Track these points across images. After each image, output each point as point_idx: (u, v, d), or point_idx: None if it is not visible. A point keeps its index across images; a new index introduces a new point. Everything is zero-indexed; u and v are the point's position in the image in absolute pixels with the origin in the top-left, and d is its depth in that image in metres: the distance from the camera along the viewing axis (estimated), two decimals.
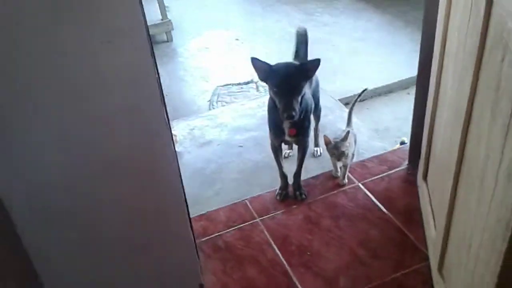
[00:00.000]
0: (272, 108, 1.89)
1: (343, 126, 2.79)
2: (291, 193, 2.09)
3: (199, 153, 2.71)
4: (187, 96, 3.71)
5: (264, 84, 3.86)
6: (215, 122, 3.02)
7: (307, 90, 1.94)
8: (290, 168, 2.14)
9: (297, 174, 2.07)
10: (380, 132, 3.20)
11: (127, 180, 1.37)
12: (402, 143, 2.54)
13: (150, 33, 1.19)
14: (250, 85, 3.80)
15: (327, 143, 2.03)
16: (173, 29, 4.50)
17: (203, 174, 2.52)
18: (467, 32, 1.24)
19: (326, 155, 2.21)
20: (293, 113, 1.73)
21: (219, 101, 3.58)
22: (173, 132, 2.73)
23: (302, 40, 2.15)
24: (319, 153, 2.52)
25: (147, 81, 1.24)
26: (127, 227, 1.46)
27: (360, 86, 3.61)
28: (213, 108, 3.46)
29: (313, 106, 2.06)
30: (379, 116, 3.38)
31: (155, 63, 1.23)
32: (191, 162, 2.63)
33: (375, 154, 2.47)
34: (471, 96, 1.18)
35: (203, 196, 2.34)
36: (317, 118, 2.42)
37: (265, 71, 1.82)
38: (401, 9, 4.53)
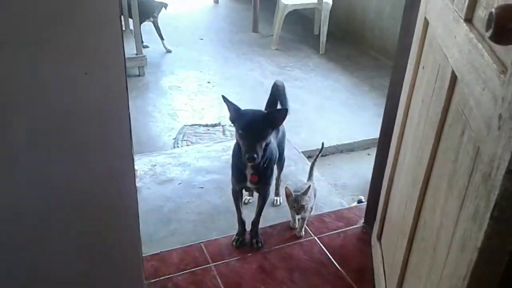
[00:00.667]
0: (237, 152, 1.91)
1: (304, 178, 2.85)
2: (248, 240, 2.08)
3: (158, 190, 2.67)
4: (153, 132, 3.69)
5: (231, 128, 3.95)
6: (178, 160, 3.00)
7: (272, 140, 1.98)
8: (249, 214, 2.15)
9: (255, 222, 2.07)
10: (339, 188, 3.28)
11: (83, 213, 1.33)
12: (360, 201, 2.61)
13: None
14: (217, 127, 3.84)
15: (288, 195, 2.06)
16: (146, 65, 4.53)
17: (160, 212, 2.48)
18: (430, 104, 1.33)
19: (286, 205, 2.24)
20: (255, 155, 1.76)
21: (185, 140, 3.58)
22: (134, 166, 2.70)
23: (278, 93, 2.23)
24: (279, 202, 2.54)
25: (119, 115, 1.24)
26: (76, 261, 1.40)
27: (323, 141, 3.78)
28: (178, 147, 3.45)
29: (277, 156, 2.10)
30: (339, 172, 3.48)
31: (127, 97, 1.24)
32: (149, 198, 2.58)
33: (333, 209, 2.53)
34: (430, 165, 1.25)
35: (158, 235, 2.29)
36: (280, 168, 2.46)
37: (234, 111, 1.87)
38: (368, 75, 4.78)
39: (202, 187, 2.70)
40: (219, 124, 3.88)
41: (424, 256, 1.23)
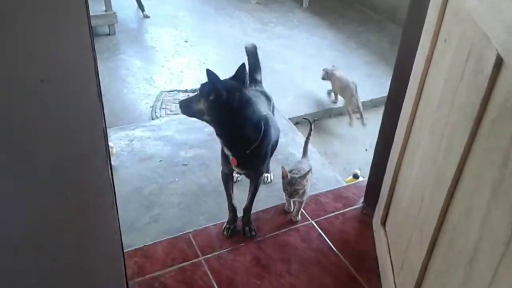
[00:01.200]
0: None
1: (295, 151, 2.66)
2: (240, 228, 1.90)
3: (137, 169, 2.44)
4: (127, 100, 3.41)
5: None
6: (158, 134, 2.76)
7: (266, 113, 1.78)
8: (240, 196, 1.95)
9: (247, 209, 1.88)
10: (330, 157, 3.11)
11: (47, 199, 1.09)
12: (355, 176, 2.45)
13: (92, 24, 0.95)
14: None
15: (284, 176, 1.86)
16: (117, 22, 4.15)
17: (140, 195, 2.26)
18: (458, 88, 1.12)
19: (278, 183, 2.05)
20: None
21: (163, 108, 3.32)
22: (109, 143, 2.44)
23: (251, 58, 2.01)
24: (269, 179, 2.36)
25: (85, 78, 0.97)
26: (39, 258, 1.18)
27: (312, 106, 3.57)
28: (156, 116, 3.19)
29: (275, 140, 1.88)
30: (329, 140, 3.30)
31: (96, 61, 0.98)
32: (128, 179, 2.36)
33: (328, 184, 2.36)
34: (461, 163, 1.06)
35: (140, 223, 2.09)
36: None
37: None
38: (355, 30, 4.51)
39: (185, 165, 2.48)
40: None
41: (454, 268, 1.06)
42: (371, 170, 2.02)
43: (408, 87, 1.58)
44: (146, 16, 4.60)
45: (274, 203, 2.07)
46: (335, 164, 3.02)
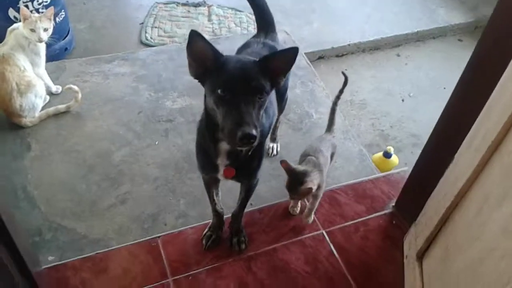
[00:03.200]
0: (206, 128, 1.12)
1: (312, 109, 2.08)
2: (226, 235, 1.43)
3: (108, 123, 1.90)
4: (112, 14, 2.74)
5: (219, 11, 2.92)
6: (141, 72, 2.16)
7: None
8: (231, 192, 1.43)
9: (237, 216, 1.39)
10: (355, 107, 2.52)
11: None
12: (387, 154, 1.89)
13: None
14: (200, 8, 2.87)
15: (286, 169, 1.33)
16: None
17: (107, 162, 1.76)
18: None
19: (285, 156, 1.50)
20: (254, 132, 0.95)
21: (155, 26, 2.66)
22: (73, 86, 1.89)
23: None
24: (275, 151, 1.83)
25: None
26: None
27: (341, 37, 2.87)
28: (146, 37, 2.56)
29: (272, 124, 1.31)
30: (357, 82, 2.67)
31: None
32: (95, 136, 1.84)
33: (349, 162, 1.83)
34: None
35: (102, 204, 1.62)
36: (281, 111, 1.68)
37: (210, 60, 1.02)
38: None
39: (171, 120, 1.94)
40: (203, 3, 2.90)
41: None
42: (415, 167, 1.47)
43: (489, 103, 0.97)
44: None
45: (275, 196, 1.58)
46: (361, 117, 2.45)
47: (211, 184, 1.32)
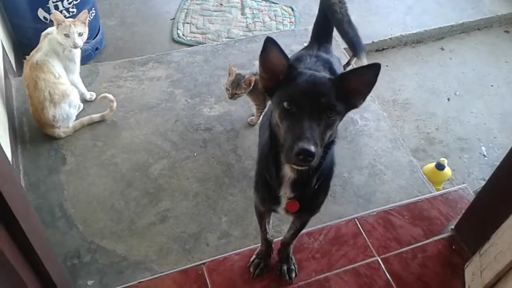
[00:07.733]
0: (269, 149, 1.02)
1: (355, 114, 1.97)
2: (274, 261, 1.34)
3: (145, 133, 1.82)
4: (143, 7, 2.64)
5: (253, 3, 2.76)
6: (176, 75, 2.06)
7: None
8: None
9: (287, 243, 1.30)
10: (398, 107, 2.38)
11: None
12: (440, 166, 1.76)
13: None
14: (232, 1, 2.74)
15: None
16: None
17: (146, 176, 1.69)
18: None
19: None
20: (312, 148, 0.84)
21: (187, 22, 2.55)
22: (109, 96, 1.81)
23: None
24: None
25: None
26: None
27: (381, 30, 2.70)
28: (178, 34, 2.45)
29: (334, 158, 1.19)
30: (399, 80, 2.52)
31: None
32: (130, 147, 1.77)
33: (398, 175, 1.71)
34: None
35: (140, 222, 1.55)
36: None
37: (283, 73, 0.92)
38: None
39: (209, 129, 1.84)
40: None
41: None
42: (483, 191, 1.35)
43: None
44: None
45: (325, 217, 1.48)
46: (405, 118, 2.31)
47: (265, 214, 1.23)
